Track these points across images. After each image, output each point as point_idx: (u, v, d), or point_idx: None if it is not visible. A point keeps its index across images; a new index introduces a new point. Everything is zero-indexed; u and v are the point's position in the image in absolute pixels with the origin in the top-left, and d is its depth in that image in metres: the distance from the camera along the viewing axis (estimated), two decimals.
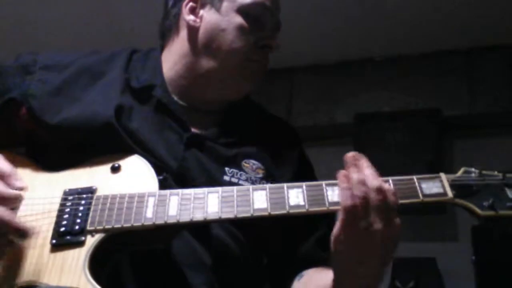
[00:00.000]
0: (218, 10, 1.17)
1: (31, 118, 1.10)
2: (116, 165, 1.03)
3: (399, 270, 3.25)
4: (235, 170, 1.12)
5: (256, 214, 0.93)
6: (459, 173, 0.97)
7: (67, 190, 1.01)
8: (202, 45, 1.18)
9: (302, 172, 1.20)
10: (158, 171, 1.02)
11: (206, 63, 1.17)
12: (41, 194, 1.01)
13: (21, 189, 0.96)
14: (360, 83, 3.76)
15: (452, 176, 0.96)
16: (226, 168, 1.11)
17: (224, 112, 1.21)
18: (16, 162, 1.06)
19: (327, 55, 3.73)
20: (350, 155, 0.91)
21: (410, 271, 3.22)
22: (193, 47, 1.19)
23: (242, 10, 1.16)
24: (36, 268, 0.90)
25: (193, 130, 1.14)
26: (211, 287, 1.03)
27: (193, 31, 1.19)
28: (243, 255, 1.09)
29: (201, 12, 1.19)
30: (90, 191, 1.00)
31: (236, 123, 1.20)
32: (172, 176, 1.04)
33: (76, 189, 1.01)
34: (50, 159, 1.09)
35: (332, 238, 0.89)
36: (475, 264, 2.88)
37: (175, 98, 1.17)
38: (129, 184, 1.00)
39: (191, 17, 1.20)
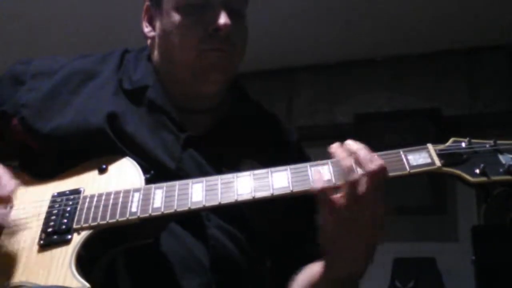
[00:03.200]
0: (161, 15, 1.16)
1: (23, 128, 1.11)
2: (104, 166, 1.04)
3: (399, 270, 3.25)
4: (233, 171, 1.11)
5: (240, 199, 0.93)
6: (448, 142, 0.95)
7: (55, 193, 1.02)
8: (161, 54, 1.18)
9: None
10: (145, 170, 1.02)
11: (169, 69, 1.16)
12: (30, 200, 1.02)
13: (11, 192, 0.97)
14: (360, 83, 3.76)
15: (440, 146, 0.95)
16: (224, 169, 1.11)
17: (221, 112, 1.21)
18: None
19: (327, 55, 3.73)
20: (335, 146, 0.93)
21: (410, 271, 3.22)
22: (157, 56, 1.19)
23: (179, 6, 1.12)
24: (24, 269, 0.91)
25: (190, 130, 1.13)
26: None
27: (152, 41, 1.20)
28: (242, 257, 1.08)
29: (155, 21, 1.19)
30: (77, 192, 1.01)
31: (234, 123, 1.20)
32: (169, 177, 1.04)
33: (64, 192, 1.02)
34: (42, 169, 1.10)
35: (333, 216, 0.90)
36: (475, 264, 2.88)
37: (169, 98, 1.16)
38: (116, 183, 1.01)
39: (148, 29, 1.21)
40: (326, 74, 3.85)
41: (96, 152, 1.06)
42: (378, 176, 0.89)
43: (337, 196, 0.90)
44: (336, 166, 0.93)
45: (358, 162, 0.90)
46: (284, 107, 3.86)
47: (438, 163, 0.92)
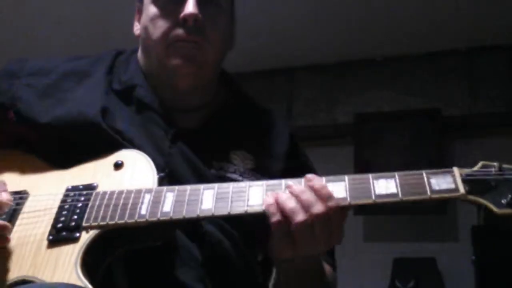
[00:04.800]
0: (142, 11, 1.18)
1: (19, 121, 1.11)
2: (119, 161, 1.04)
3: (399, 270, 3.25)
4: (222, 163, 1.11)
5: (250, 211, 0.91)
6: (476, 167, 0.89)
7: (69, 187, 1.02)
8: (142, 49, 1.20)
9: (294, 163, 1.20)
10: (159, 169, 1.02)
11: (149, 63, 1.17)
12: (46, 191, 1.02)
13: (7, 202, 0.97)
14: (360, 83, 3.76)
15: (467, 171, 0.88)
16: (213, 162, 1.11)
17: (211, 107, 1.21)
18: (19, 159, 1.08)
19: (327, 55, 3.73)
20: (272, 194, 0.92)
21: (410, 271, 3.22)
22: (140, 52, 1.21)
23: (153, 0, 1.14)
24: (32, 264, 0.91)
25: (179, 125, 1.14)
26: (203, 284, 1.03)
27: (139, 38, 1.21)
28: (236, 252, 1.08)
29: (141, 19, 1.21)
30: (91, 187, 1.01)
31: (225, 117, 1.20)
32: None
33: (78, 186, 1.02)
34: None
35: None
36: (475, 264, 2.88)
37: (157, 97, 1.16)
38: (130, 181, 1.01)
39: (136, 27, 1.22)
40: (326, 74, 3.85)
41: (93, 145, 1.06)
42: (325, 217, 0.87)
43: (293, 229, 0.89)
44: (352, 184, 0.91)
45: (303, 207, 0.88)
46: (284, 107, 3.86)
47: (462, 190, 0.86)
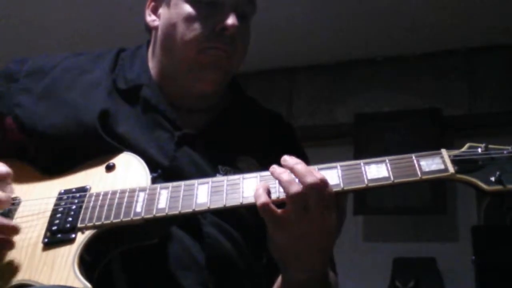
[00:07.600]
0: (169, 4, 1.15)
1: (17, 128, 1.11)
2: (111, 164, 1.04)
3: (399, 270, 3.25)
4: (228, 168, 1.11)
5: (245, 202, 0.91)
6: (463, 148, 0.91)
7: (62, 190, 1.02)
8: (162, 44, 1.17)
9: None
10: (152, 168, 1.02)
11: (168, 61, 1.16)
12: (38, 196, 1.02)
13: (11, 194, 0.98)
14: (360, 83, 3.76)
15: (455, 152, 0.90)
16: (220, 166, 1.11)
17: (217, 109, 1.21)
18: (14, 167, 1.07)
19: (327, 55, 3.73)
20: (275, 166, 0.92)
21: (410, 271, 3.22)
22: (158, 47, 1.18)
23: None
24: (28, 267, 0.91)
25: (185, 128, 1.13)
26: (204, 287, 1.02)
27: (155, 31, 1.19)
28: (238, 254, 1.08)
29: (160, 10, 1.18)
30: (84, 190, 1.01)
31: (230, 120, 1.20)
32: (164, 176, 1.04)
33: (71, 189, 1.02)
34: (41, 167, 1.10)
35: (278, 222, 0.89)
36: (475, 264, 2.88)
37: (164, 97, 1.15)
38: (123, 181, 1.00)
39: (151, 18, 1.20)
40: (326, 74, 3.85)
41: (91, 151, 1.06)
42: (318, 189, 0.87)
43: (282, 211, 0.89)
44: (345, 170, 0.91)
45: (297, 177, 0.88)
46: (284, 107, 3.86)
47: (451, 169, 0.88)
